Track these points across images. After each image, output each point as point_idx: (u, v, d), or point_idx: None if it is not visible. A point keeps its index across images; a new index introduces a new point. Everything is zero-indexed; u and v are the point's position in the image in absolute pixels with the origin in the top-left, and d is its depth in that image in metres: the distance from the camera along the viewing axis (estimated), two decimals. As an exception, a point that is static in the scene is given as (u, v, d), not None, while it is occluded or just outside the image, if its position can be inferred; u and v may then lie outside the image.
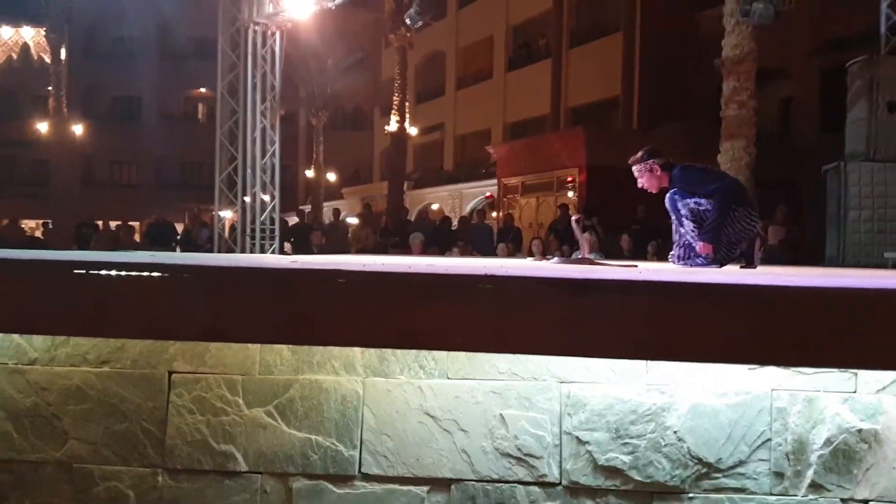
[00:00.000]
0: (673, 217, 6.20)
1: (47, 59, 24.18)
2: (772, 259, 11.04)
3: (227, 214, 14.26)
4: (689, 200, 6.01)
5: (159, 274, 3.39)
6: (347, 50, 28.64)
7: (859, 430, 3.95)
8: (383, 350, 4.09)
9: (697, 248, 5.95)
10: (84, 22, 29.88)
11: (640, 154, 6.21)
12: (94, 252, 10.45)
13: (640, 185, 6.26)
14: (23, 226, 18.98)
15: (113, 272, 3.39)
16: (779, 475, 3.98)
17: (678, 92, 21.21)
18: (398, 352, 4.10)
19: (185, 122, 39.46)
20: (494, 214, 21.73)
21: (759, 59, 12.89)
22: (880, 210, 10.31)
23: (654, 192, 6.28)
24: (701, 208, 5.97)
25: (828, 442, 3.96)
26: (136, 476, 4.18)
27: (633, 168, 6.22)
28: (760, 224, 6.39)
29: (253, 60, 12.93)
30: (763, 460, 3.99)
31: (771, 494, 3.98)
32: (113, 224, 17.52)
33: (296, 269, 3.59)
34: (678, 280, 3.38)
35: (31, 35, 24.60)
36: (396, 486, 4.10)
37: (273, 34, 13.11)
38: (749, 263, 6.28)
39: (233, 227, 13.70)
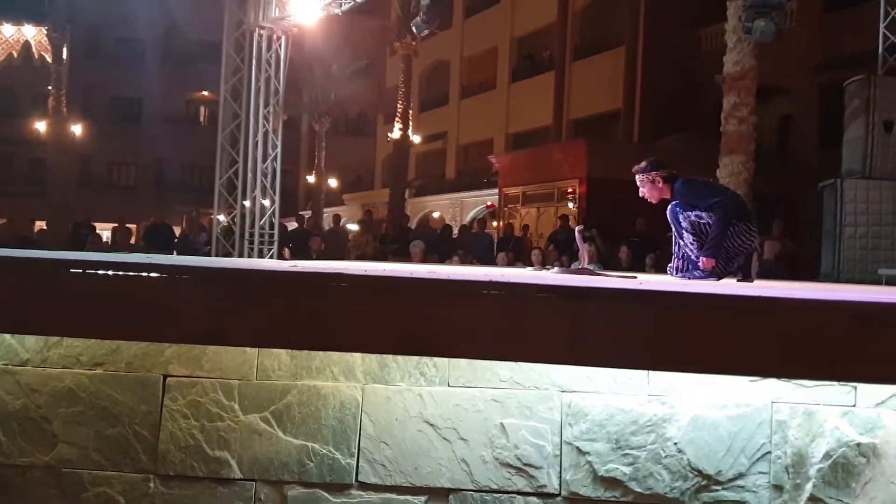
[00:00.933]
0: (673, 229, 6.17)
1: (48, 59, 24.16)
2: (768, 274, 11.04)
3: (226, 218, 14.23)
4: (690, 213, 5.99)
5: (156, 275, 3.35)
6: (352, 56, 28.69)
7: (858, 444, 3.91)
8: (384, 356, 4.05)
9: (700, 263, 5.92)
10: (87, 22, 29.89)
11: (644, 164, 6.18)
12: (89, 253, 10.41)
13: (640, 194, 6.24)
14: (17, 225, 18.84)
15: (109, 272, 3.35)
16: (778, 488, 3.95)
17: (679, 106, 21.27)
18: (399, 358, 4.06)
19: (187, 124, 39.40)
20: (495, 224, 21.69)
21: (760, 76, 12.94)
22: (875, 227, 10.39)
23: (653, 202, 6.27)
24: (702, 221, 5.95)
25: (827, 455, 3.93)
26: (127, 482, 4.12)
27: (636, 177, 6.20)
28: (758, 239, 6.38)
29: (257, 64, 12.94)
30: (762, 473, 3.95)
31: (770, 508, 3.94)
32: (109, 226, 17.44)
33: (296, 272, 3.55)
34: (679, 290, 3.35)
35: (32, 34, 24.57)
36: (394, 496, 4.05)
37: (278, 39, 13.12)
38: (746, 277, 6.29)
39: (230, 231, 13.65)
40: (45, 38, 24.16)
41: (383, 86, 33.34)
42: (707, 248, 5.90)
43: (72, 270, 3.39)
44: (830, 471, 3.91)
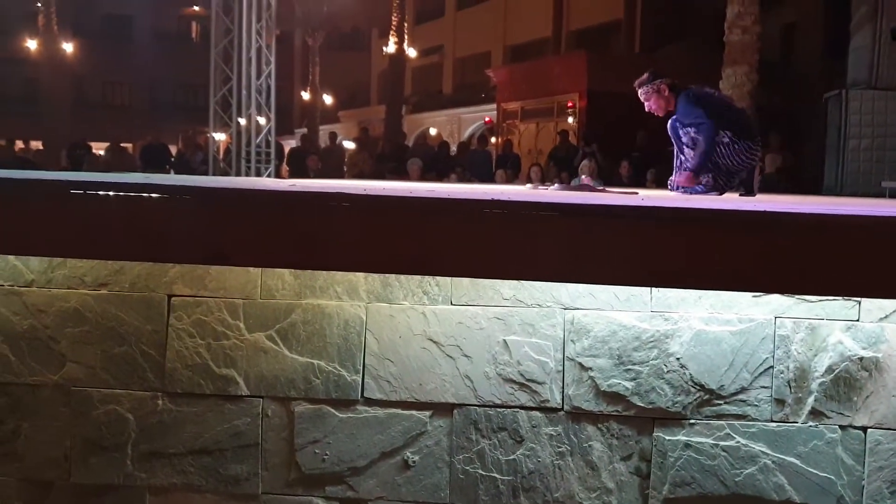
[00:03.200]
0: (674, 143, 6.12)
1: (36, -26, 23.59)
2: (770, 187, 10.99)
3: (222, 137, 14.10)
4: (689, 129, 5.93)
5: (158, 195, 3.33)
6: (345, -34, 27.98)
7: (861, 358, 3.95)
8: (387, 275, 4.05)
9: (679, 178, 5.93)
10: (73, -64, 29.06)
11: (646, 76, 6.07)
12: (88, 173, 10.34)
13: (647, 109, 6.14)
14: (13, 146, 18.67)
15: (111, 193, 3.32)
16: (780, 402, 4.00)
17: (681, 15, 20.83)
18: (402, 277, 4.06)
19: (180, 41, 38.76)
20: (493, 140, 21.52)
21: (764, -17, 12.66)
22: (880, 139, 10.26)
23: (660, 115, 6.18)
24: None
25: (829, 370, 3.97)
26: (136, 400, 4.17)
27: (640, 91, 6.09)
28: (760, 155, 6.36)
29: (248, -23, 12.63)
30: (765, 387, 4.00)
31: (771, 421, 4.00)
32: (104, 146, 17.29)
33: (297, 191, 3.53)
34: (681, 206, 3.33)
35: (19, -51, 23.97)
36: (399, 411, 4.10)
37: (269, -50, 12.79)
38: (749, 191, 6.27)
39: (227, 150, 13.55)
40: (32, -47, 23.55)
41: (377, -2, 32.64)
42: (692, 164, 5.89)
43: (72, 191, 3.36)
44: (832, 385, 3.95)
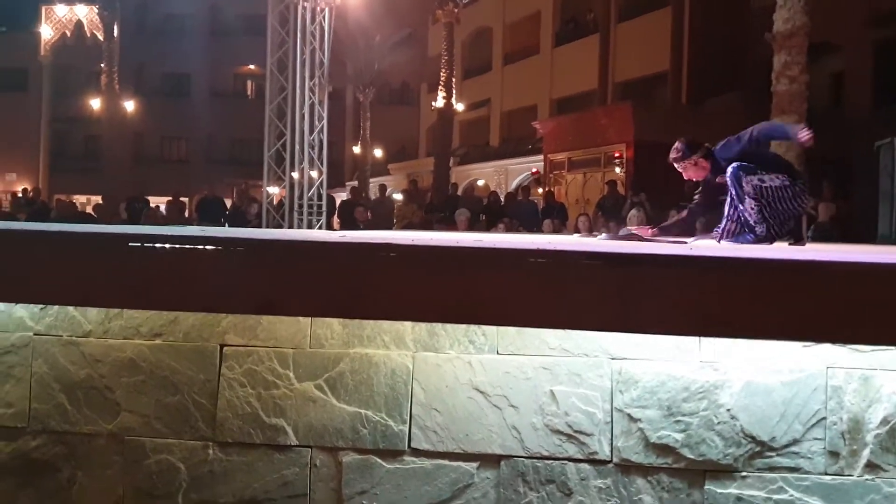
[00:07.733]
0: (733, 192, 6.06)
1: (100, 37, 24.51)
2: (823, 236, 10.86)
3: (276, 190, 14.39)
4: (753, 177, 5.91)
5: (212, 247, 3.42)
6: (395, 26, 28.64)
7: (917, 410, 3.86)
8: (433, 324, 4.08)
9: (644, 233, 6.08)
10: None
11: (680, 151, 6.18)
12: (145, 226, 10.60)
13: (686, 178, 6.31)
14: (74, 201, 19.27)
15: (167, 245, 3.42)
16: (834, 454, 3.91)
17: (728, 66, 20.86)
18: (448, 326, 4.08)
19: (235, 98, 39.87)
20: (541, 190, 21.62)
21: (811, 33, 12.64)
22: (932, 187, 10.15)
23: (700, 180, 6.31)
24: (764, 185, 5.88)
25: (884, 421, 3.88)
26: (187, 449, 4.22)
27: (676, 165, 6.21)
28: (810, 202, 6.35)
29: (302, 37, 13.01)
30: (818, 439, 3.92)
31: (826, 474, 3.91)
32: (162, 200, 17.78)
33: (346, 242, 3.60)
34: (731, 255, 3.33)
35: (84, 13, 25.01)
36: (446, 462, 4.09)
37: (322, 11, 13.17)
38: (798, 240, 6.22)
39: (280, 203, 13.83)
40: (97, 17, 24.53)
41: (426, 55, 33.25)
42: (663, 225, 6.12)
43: (131, 244, 3.47)
44: (888, 436, 3.86)
